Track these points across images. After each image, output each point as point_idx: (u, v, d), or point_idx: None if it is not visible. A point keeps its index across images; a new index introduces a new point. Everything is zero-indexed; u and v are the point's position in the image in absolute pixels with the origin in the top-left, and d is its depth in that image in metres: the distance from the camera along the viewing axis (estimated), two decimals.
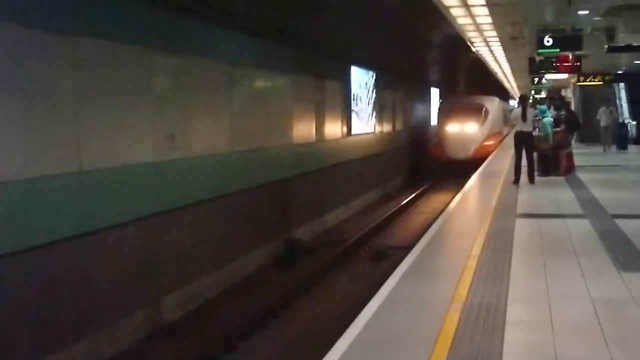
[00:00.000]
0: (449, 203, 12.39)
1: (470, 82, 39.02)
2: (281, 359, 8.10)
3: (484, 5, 13.84)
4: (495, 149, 25.46)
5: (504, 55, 24.31)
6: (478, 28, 17.26)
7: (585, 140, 24.74)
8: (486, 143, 25.82)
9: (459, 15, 15.20)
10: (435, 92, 33.33)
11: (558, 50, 16.39)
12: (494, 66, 31.27)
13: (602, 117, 22.32)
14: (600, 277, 6.41)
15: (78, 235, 7.43)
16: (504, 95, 49.72)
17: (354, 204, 18.29)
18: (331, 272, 11.82)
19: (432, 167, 26.31)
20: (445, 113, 27.63)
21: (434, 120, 30.77)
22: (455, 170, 23.17)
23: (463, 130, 26.01)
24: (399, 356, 4.55)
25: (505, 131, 32.56)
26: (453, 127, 26.31)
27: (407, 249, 8.53)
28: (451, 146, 25.53)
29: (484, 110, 26.88)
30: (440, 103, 31.05)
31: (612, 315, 5.25)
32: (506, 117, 31.62)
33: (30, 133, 6.90)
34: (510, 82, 42.68)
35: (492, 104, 28.25)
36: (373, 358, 4.54)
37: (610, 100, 26.93)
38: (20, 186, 6.72)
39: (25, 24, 6.94)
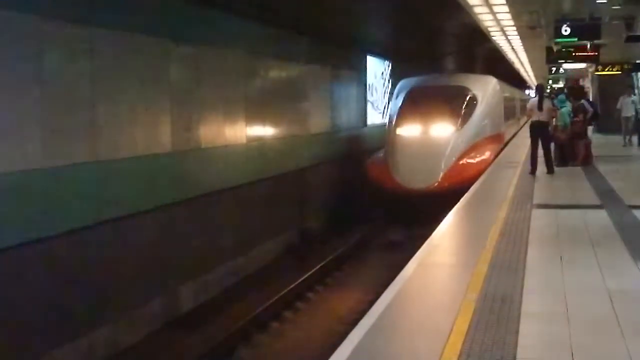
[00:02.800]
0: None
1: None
2: None
3: None
4: (486, 167, 14.83)
5: (521, 44, 24.09)
6: (495, 17, 17.12)
7: (603, 130, 24.43)
8: (468, 160, 14.62)
9: (475, 4, 15.09)
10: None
11: (576, 39, 16.22)
12: (511, 55, 30.95)
13: (623, 106, 20.91)
14: (617, 268, 6.36)
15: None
16: (520, 84, 49.04)
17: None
18: None
19: (375, 201, 15.22)
20: (400, 104, 16.22)
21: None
22: (413, 210, 13.22)
23: (426, 137, 14.89)
24: (413, 346, 4.55)
25: (510, 131, 22.82)
26: (408, 131, 15.10)
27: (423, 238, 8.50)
28: (404, 166, 14.23)
29: (467, 98, 15.85)
30: (397, 87, 17.88)
31: (629, 306, 5.21)
32: (512, 108, 23.02)
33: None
34: (527, 71, 42.36)
35: (484, 88, 17.11)
36: (388, 348, 4.55)
37: (633, 88, 25.88)
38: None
39: (44, 15, 7.00)
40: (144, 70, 8.90)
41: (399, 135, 15.09)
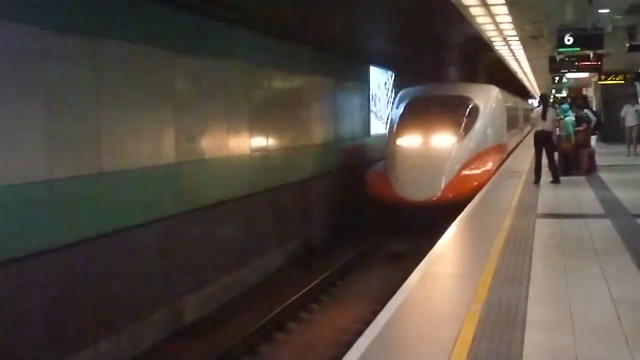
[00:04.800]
0: None
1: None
2: None
3: (503, 4, 13.77)
4: (488, 178, 14.47)
5: (524, 54, 24.13)
6: (497, 27, 17.17)
7: (607, 139, 24.38)
8: (471, 171, 14.36)
9: (478, 14, 15.13)
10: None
11: (579, 49, 16.25)
12: (514, 65, 30.99)
13: (627, 115, 20.77)
14: (622, 277, 6.36)
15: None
16: (523, 93, 48.99)
17: None
18: None
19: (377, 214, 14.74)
20: (400, 114, 15.97)
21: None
22: (414, 225, 13.05)
23: (427, 147, 14.58)
24: (418, 357, 4.55)
25: (513, 142, 22.32)
26: (408, 141, 14.81)
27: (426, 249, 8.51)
28: (404, 178, 13.98)
29: (469, 108, 15.55)
30: (398, 96, 17.92)
31: (634, 316, 5.20)
32: (515, 118, 22.78)
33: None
34: (530, 80, 42.41)
35: (487, 98, 16.73)
36: (392, 358, 4.55)
37: (636, 97, 25.71)
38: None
39: (48, 27, 7.05)
40: (148, 81, 8.93)
41: (399, 146, 14.80)
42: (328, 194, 15.61)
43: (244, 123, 11.63)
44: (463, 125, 15.01)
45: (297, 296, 10.52)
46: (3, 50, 6.51)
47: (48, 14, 7.09)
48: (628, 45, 16.39)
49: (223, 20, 10.75)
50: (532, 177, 13.87)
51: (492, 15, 15.14)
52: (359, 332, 5.77)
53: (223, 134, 10.89)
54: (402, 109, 16.05)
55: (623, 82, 25.62)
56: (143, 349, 8.45)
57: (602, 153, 18.79)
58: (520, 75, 37.42)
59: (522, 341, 4.66)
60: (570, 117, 15.70)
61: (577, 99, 20.40)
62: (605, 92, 28.07)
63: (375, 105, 19.93)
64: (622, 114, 21.30)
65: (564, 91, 47.45)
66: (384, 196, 13.99)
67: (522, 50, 22.83)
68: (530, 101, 53.76)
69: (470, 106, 15.60)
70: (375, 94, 20.00)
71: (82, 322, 7.36)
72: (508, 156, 19.60)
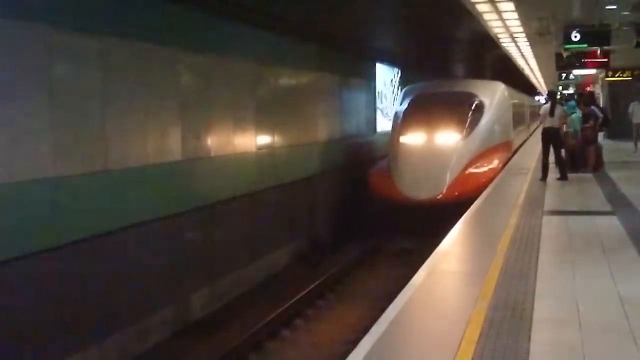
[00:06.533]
0: None
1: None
2: None
3: (509, 0, 13.72)
4: (494, 177, 14.23)
5: (530, 51, 24.04)
6: (504, 24, 17.11)
7: (614, 136, 24.29)
8: (475, 170, 14.05)
9: (485, 11, 15.08)
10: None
11: (586, 45, 16.19)
12: (520, 62, 30.88)
13: (634, 112, 20.90)
14: (629, 274, 6.34)
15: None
16: (529, 90, 48.78)
17: None
18: None
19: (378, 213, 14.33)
20: (404, 111, 15.66)
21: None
22: (418, 226, 12.57)
23: (431, 145, 14.29)
24: (424, 354, 4.55)
25: (519, 139, 21.93)
26: (412, 139, 14.57)
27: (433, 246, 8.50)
28: (407, 176, 13.75)
29: (474, 105, 15.22)
30: (402, 93, 17.66)
31: None
32: (521, 115, 22.46)
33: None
34: (537, 77, 42.27)
35: (492, 94, 16.38)
36: (398, 356, 4.54)
37: None
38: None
39: (55, 25, 7.07)
40: (154, 79, 8.94)
41: (402, 143, 14.50)
42: (333, 191, 15.59)
43: (250, 120, 11.64)
44: (468, 122, 14.70)
45: (303, 293, 10.54)
46: None
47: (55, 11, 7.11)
48: (636, 41, 16.32)
49: (229, 17, 10.75)
50: (539, 174, 13.82)
51: (498, 11, 15.08)
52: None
53: (229, 132, 10.89)
54: (406, 105, 15.73)
55: (630, 78, 25.52)
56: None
57: (609, 150, 18.72)
58: (527, 71, 37.29)
59: (529, 338, 4.64)
60: (577, 114, 15.65)
61: (584, 96, 20.30)
62: (613, 89, 27.96)
63: (381, 102, 19.92)
64: (630, 110, 21.28)
65: (571, 88, 47.27)
66: (387, 195, 13.69)
67: (529, 47, 22.76)
68: (537, 98, 53.59)
69: (475, 103, 15.28)
70: (381, 91, 19.99)
71: None
72: (514, 153, 19.33)
